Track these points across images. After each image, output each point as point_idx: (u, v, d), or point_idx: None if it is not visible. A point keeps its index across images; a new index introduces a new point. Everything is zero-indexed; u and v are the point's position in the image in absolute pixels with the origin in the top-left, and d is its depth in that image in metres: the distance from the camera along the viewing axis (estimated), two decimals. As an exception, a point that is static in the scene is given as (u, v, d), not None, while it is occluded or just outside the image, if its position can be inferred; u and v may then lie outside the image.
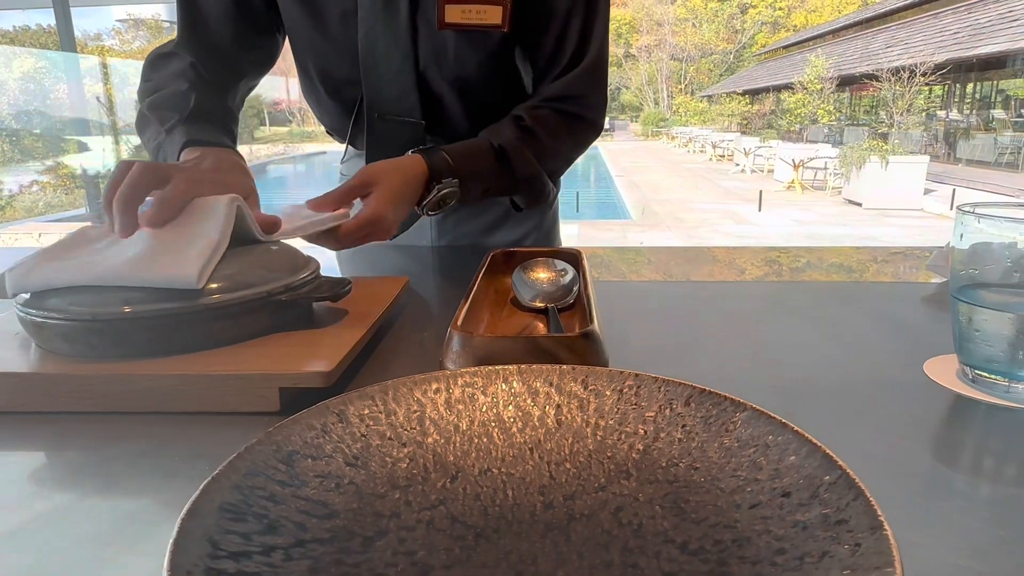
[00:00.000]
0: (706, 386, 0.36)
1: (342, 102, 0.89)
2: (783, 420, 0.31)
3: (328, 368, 0.44)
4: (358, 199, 0.69)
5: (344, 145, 0.98)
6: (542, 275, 0.65)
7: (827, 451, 0.28)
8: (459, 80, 0.84)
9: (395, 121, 0.86)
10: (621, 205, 10.11)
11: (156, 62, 0.82)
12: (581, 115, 0.87)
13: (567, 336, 0.45)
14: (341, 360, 0.46)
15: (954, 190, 9.14)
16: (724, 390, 0.36)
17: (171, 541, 0.23)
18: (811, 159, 11.58)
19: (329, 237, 0.65)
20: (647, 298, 0.75)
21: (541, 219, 1.02)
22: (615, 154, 19.82)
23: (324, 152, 21.06)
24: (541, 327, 0.59)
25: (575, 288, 0.63)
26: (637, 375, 0.37)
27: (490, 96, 0.87)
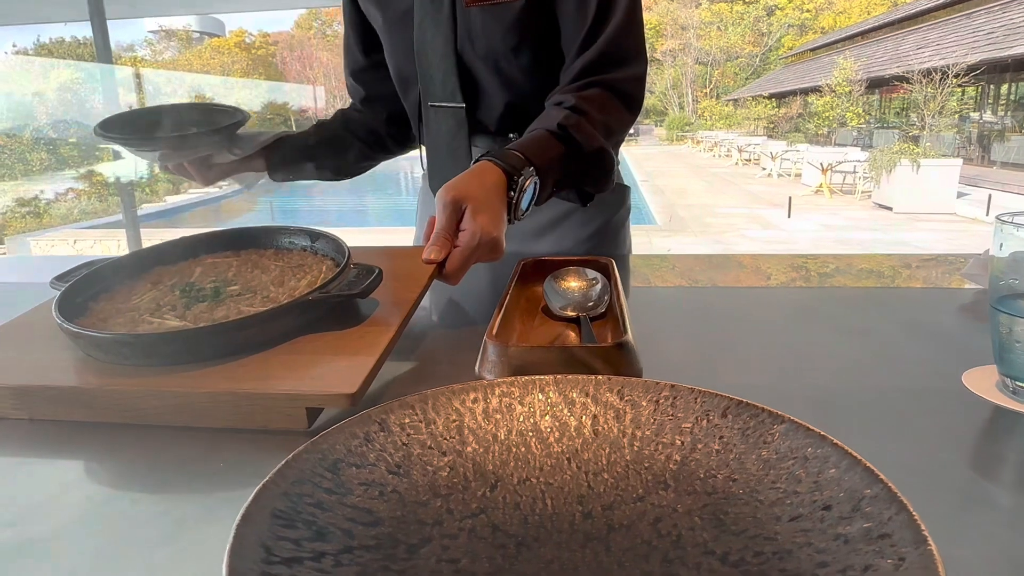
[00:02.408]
0: (741, 397, 0.36)
1: (413, 99, 0.94)
2: (822, 433, 0.31)
3: (353, 389, 0.44)
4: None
5: (423, 149, 1.01)
6: (573, 284, 0.65)
7: (868, 464, 0.28)
8: (490, 55, 0.86)
9: (441, 109, 0.89)
10: (646, 210, 10.05)
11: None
12: (619, 87, 0.84)
13: (602, 346, 0.46)
14: (366, 377, 0.45)
15: (990, 196, 8.92)
16: (759, 401, 0.36)
17: (228, 547, 0.24)
18: (840, 163, 11.41)
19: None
20: (675, 305, 0.75)
21: (606, 220, 0.99)
22: (639, 159, 19.73)
23: (350, 159, 21.20)
24: (573, 336, 0.59)
25: (606, 297, 0.63)
26: (673, 386, 0.37)
27: (521, 71, 0.87)
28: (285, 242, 0.67)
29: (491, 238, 0.63)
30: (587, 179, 0.84)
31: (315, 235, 0.65)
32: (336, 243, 0.62)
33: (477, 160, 0.71)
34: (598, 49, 0.83)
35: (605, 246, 1.00)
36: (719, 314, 0.71)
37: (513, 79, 0.88)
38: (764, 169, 14.79)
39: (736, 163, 17.37)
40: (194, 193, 13.91)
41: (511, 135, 0.92)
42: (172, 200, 13.09)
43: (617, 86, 0.84)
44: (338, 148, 1.01)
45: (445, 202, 0.64)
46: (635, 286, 0.83)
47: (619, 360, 0.46)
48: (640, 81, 0.87)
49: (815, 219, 8.71)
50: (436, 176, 0.95)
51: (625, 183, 1.03)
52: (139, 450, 0.43)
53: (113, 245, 7.88)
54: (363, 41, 1.00)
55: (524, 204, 0.72)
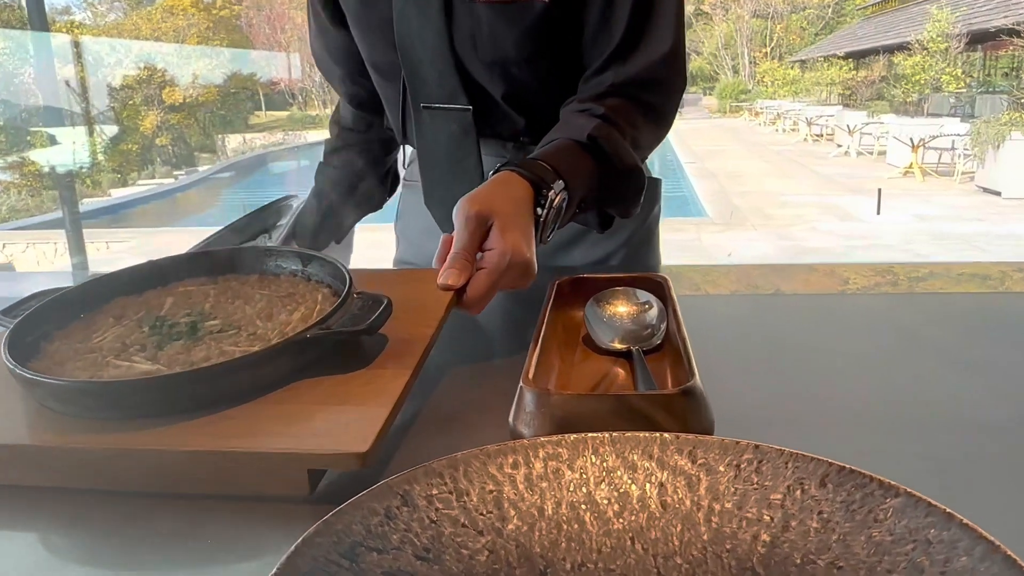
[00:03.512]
0: (835, 455, 0.36)
1: (393, 94, 0.95)
2: (947, 509, 0.31)
3: (364, 448, 0.43)
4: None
5: (406, 149, 1.04)
6: (621, 309, 0.66)
7: (1009, 552, 0.28)
8: (498, 62, 0.86)
9: (439, 111, 0.89)
10: (694, 199, 10.04)
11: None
12: (653, 103, 0.86)
13: (663, 393, 0.46)
14: (379, 432, 0.45)
15: None
16: (857, 459, 0.36)
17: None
18: (934, 137, 11.34)
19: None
20: (734, 321, 0.75)
21: (638, 224, 1.01)
22: (685, 135, 19.69)
23: (331, 140, 21.39)
24: (623, 375, 0.59)
25: (663, 326, 0.64)
26: (757, 447, 0.38)
27: (537, 80, 0.88)
28: (271, 266, 0.68)
29: (523, 259, 0.64)
30: (616, 200, 0.86)
31: (307, 257, 0.66)
32: (333, 267, 0.63)
33: (497, 170, 0.72)
34: (637, 70, 0.83)
35: (639, 257, 1.02)
36: (791, 333, 0.70)
37: (526, 86, 0.88)
38: (840, 146, 14.73)
39: (804, 139, 17.31)
40: (144, 184, 14.08)
41: (522, 139, 0.93)
42: (119, 193, 13.27)
43: (651, 103, 0.86)
44: (351, 193, 1.07)
45: (468, 216, 0.64)
46: (685, 294, 0.83)
47: (685, 410, 0.46)
48: (677, 101, 0.89)
49: (905, 207, 8.65)
50: (436, 191, 0.95)
51: (656, 175, 1.04)
52: (109, 522, 0.44)
53: (50, 250, 7.99)
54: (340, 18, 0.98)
55: (553, 223, 0.72)
